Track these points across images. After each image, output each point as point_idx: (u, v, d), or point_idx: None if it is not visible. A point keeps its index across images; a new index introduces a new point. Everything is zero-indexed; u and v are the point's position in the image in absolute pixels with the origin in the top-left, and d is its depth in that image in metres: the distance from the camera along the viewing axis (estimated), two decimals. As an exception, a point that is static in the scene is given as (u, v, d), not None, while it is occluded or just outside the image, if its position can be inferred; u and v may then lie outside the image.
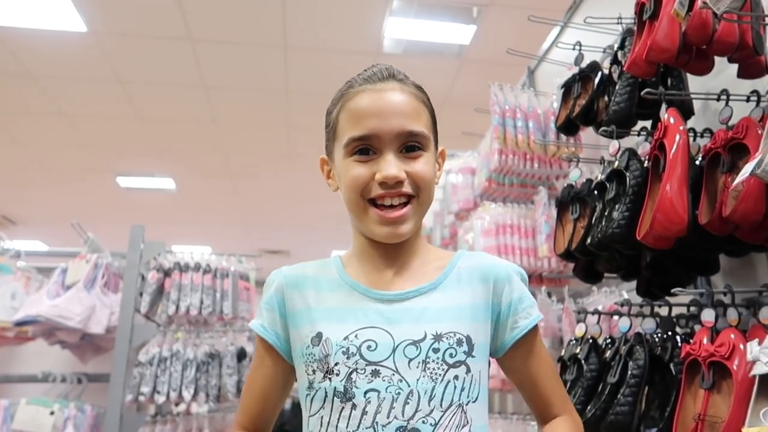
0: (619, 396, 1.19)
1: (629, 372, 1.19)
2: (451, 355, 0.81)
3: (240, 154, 6.06)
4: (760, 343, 0.95)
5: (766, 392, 0.92)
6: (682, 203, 1.16)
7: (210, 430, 2.08)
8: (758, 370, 0.90)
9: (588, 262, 1.54)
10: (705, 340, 1.10)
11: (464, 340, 0.83)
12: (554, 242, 1.66)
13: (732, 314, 1.11)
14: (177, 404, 2.14)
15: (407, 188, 0.85)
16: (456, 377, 0.81)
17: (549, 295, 2.05)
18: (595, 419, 1.22)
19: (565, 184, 1.70)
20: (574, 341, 1.48)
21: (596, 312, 1.49)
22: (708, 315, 1.11)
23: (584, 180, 1.62)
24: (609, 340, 1.42)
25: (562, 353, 1.49)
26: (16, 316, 2.21)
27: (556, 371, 0.94)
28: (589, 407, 1.27)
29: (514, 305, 0.89)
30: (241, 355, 2.20)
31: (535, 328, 0.92)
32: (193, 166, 6.34)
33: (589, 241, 1.42)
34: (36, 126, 5.33)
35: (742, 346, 1.03)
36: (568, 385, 1.41)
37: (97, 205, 7.20)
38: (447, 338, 0.82)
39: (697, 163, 1.28)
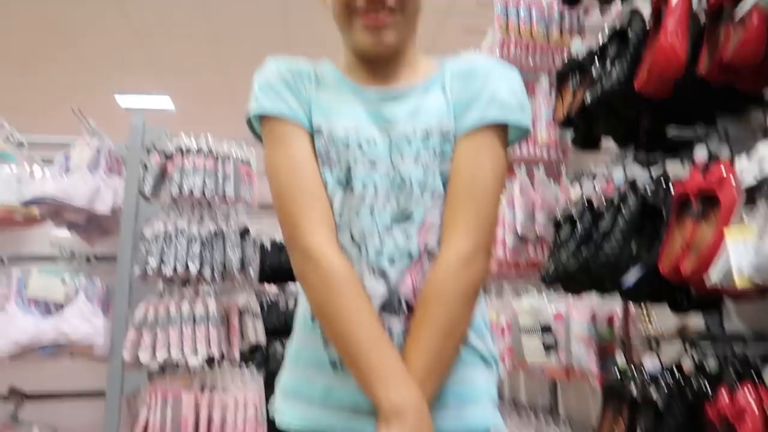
0: (610, 237, 1.23)
1: (621, 212, 1.23)
2: (440, 149, 0.85)
3: (240, 74, 5.95)
4: None
5: (750, 205, 0.96)
6: (681, 44, 1.17)
7: (216, 303, 2.16)
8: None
9: (586, 127, 1.56)
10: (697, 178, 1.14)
11: (451, 136, 0.85)
12: (553, 113, 1.67)
13: (725, 152, 1.13)
14: (184, 283, 2.20)
15: (390, 2, 0.84)
16: (444, 171, 0.85)
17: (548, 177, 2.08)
18: (585, 261, 1.27)
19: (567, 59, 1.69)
20: (569, 204, 1.52)
21: (591, 175, 1.52)
22: (700, 150, 1.13)
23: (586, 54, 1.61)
24: (603, 201, 1.46)
25: (557, 215, 1.53)
26: (23, 198, 2.26)
27: (489, 194, 0.83)
28: (582, 250, 1.32)
29: (472, 99, 0.85)
30: (244, 233, 2.25)
31: (487, 131, 0.84)
32: (191, 84, 6.25)
33: (589, 100, 1.43)
34: (32, 43, 5.22)
35: (731, 177, 1.06)
36: (560, 240, 1.45)
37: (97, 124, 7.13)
38: (436, 134, 0.85)
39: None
